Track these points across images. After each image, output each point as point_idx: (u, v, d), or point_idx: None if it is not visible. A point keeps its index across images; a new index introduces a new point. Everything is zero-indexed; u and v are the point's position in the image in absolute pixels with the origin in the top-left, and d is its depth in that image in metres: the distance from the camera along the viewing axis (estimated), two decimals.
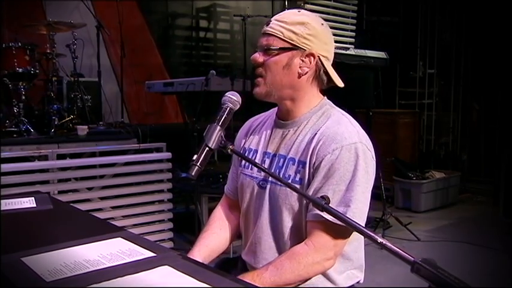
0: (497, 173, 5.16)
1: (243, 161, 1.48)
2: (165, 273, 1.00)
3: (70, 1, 4.71)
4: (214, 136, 1.18)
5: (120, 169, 3.34)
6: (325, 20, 1.37)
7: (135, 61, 5.03)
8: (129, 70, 4.76)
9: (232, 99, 1.28)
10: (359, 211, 1.27)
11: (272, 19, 1.34)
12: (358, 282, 1.44)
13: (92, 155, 3.37)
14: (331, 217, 1.18)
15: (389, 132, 5.54)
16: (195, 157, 1.15)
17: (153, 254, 1.12)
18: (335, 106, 1.43)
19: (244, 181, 1.47)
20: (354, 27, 4.77)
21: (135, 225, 3.33)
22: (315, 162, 1.29)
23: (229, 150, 1.20)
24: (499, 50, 5.52)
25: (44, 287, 0.94)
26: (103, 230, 1.32)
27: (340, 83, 1.40)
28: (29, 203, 1.61)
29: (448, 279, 0.77)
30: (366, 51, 3.99)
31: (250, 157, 1.45)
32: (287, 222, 1.34)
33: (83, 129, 3.60)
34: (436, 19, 6.31)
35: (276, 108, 1.48)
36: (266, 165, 1.40)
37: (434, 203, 5.02)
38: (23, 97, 3.55)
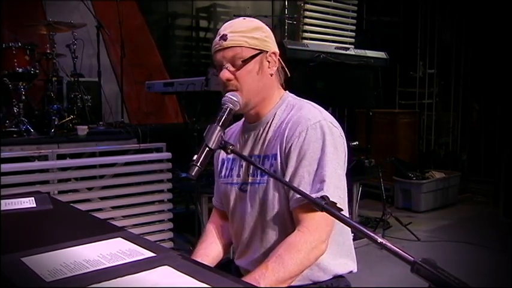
0: (497, 173, 5.16)
1: (223, 172, 1.52)
2: (165, 274, 1.00)
3: (70, 1, 4.71)
4: (215, 136, 1.18)
5: (120, 169, 3.34)
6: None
7: (135, 61, 5.03)
8: (129, 70, 4.76)
9: (233, 99, 1.29)
10: (333, 185, 1.28)
11: (226, 32, 1.34)
12: (351, 272, 1.44)
13: (92, 155, 3.37)
14: (313, 194, 1.23)
15: (389, 132, 5.55)
16: (195, 157, 1.15)
17: (153, 254, 1.12)
18: (298, 97, 1.47)
19: (226, 189, 1.50)
20: (353, 27, 4.77)
21: (135, 225, 3.33)
22: (284, 149, 1.33)
23: (229, 151, 1.20)
24: (499, 50, 5.52)
25: (43, 287, 0.94)
26: (103, 230, 1.32)
27: (288, 72, 1.46)
28: (29, 203, 1.61)
29: (448, 280, 0.77)
30: (366, 51, 3.98)
31: (229, 165, 1.49)
32: (270, 218, 1.36)
33: (83, 129, 3.60)
34: (436, 19, 6.31)
35: (242, 119, 1.53)
36: (244, 169, 1.43)
37: (434, 203, 5.02)
38: (23, 97, 3.55)
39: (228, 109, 1.27)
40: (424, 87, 6.41)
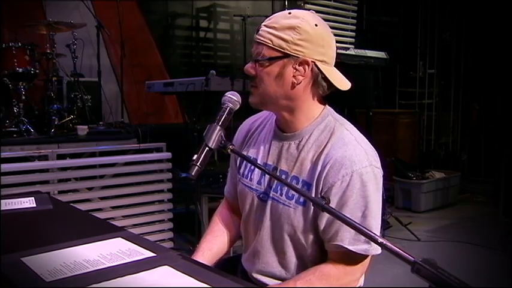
0: (498, 173, 5.16)
1: (242, 170, 1.44)
2: (165, 274, 1.00)
3: (70, 1, 4.70)
4: (214, 136, 1.18)
5: (120, 169, 3.34)
6: (325, 20, 1.32)
7: (135, 61, 5.03)
8: (129, 70, 4.76)
9: (232, 99, 1.27)
10: (376, 231, 1.23)
11: (262, 24, 1.25)
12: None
13: (92, 155, 3.37)
14: (353, 247, 1.19)
15: (389, 132, 5.55)
16: (195, 157, 1.15)
17: (153, 254, 1.12)
18: (336, 114, 1.34)
19: (244, 191, 1.43)
20: (354, 27, 4.78)
21: (135, 225, 3.33)
22: (322, 188, 1.22)
23: (229, 150, 1.19)
24: (499, 49, 5.52)
25: (43, 287, 0.94)
26: (103, 230, 1.32)
27: (343, 86, 1.27)
28: (28, 203, 1.61)
29: (448, 280, 0.77)
30: (366, 51, 3.98)
31: (251, 167, 1.40)
32: (288, 241, 1.32)
33: (83, 129, 3.59)
34: (436, 19, 6.31)
35: (273, 117, 1.41)
36: (266, 179, 1.36)
37: (434, 203, 5.02)
38: (23, 97, 3.55)
39: (228, 109, 1.25)
40: (424, 87, 6.41)
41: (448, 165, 5.93)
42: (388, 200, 4.81)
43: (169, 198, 3.52)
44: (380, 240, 0.89)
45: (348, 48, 3.91)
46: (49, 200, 1.66)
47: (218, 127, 1.20)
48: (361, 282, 1.39)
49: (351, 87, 1.31)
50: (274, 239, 1.34)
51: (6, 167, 2.81)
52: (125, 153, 3.44)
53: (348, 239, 1.21)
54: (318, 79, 1.25)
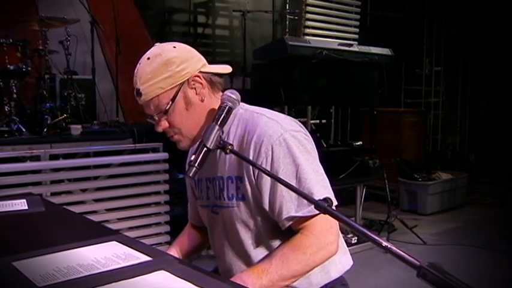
0: (507, 174, 5.17)
1: (197, 193, 1.51)
2: (162, 278, 1.00)
3: None
4: (213, 136, 1.18)
5: (116, 170, 3.34)
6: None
7: (130, 58, 4.98)
8: (124, 67, 4.75)
9: (232, 97, 1.28)
10: (323, 190, 1.28)
11: (138, 86, 1.32)
12: (347, 272, 1.45)
13: (86, 155, 3.37)
14: (301, 213, 1.25)
15: (395, 131, 5.55)
16: (192, 158, 1.15)
17: (150, 258, 1.12)
18: (246, 105, 1.42)
19: (202, 211, 1.51)
20: (357, 23, 4.77)
21: (130, 228, 3.33)
22: (253, 173, 1.30)
23: (228, 151, 1.20)
24: (508, 46, 5.52)
25: None
26: (97, 233, 1.32)
27: (227, 70, 1.40)
28: (20, 205, 1.61)
29: (455, 285, 0.77)
30: (370, 47, 3.99)
31: (200, 186, 1.47)
32: (247, 240, 1.37)
33: (76, 129, 3.59)
34: (442, 15, 6.31)
35: None
36: (211, 191, 1.43)
37: (441, 205, 5.02)
38: (14, 95, 3.54)
39: (227, 108, 1.26)
40: (431, 85, 6.41)
41: (455, 166, 5.94)
42: (393, 202, 4.81)
43: (166, 200, 3.52)
44: (384, 244, 0.89)
45: (351, 45, 3.92)
46: (41, 202, 1.66)
47: (217, 127, 1.20)
48: (340, 249, 1.40)
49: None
50: (236, 244, 1.40)
51: None
52: (120, 153, 3.44)
53: (293, 208, 1.27)
54: (212, 80, 1.38)
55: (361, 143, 4.83)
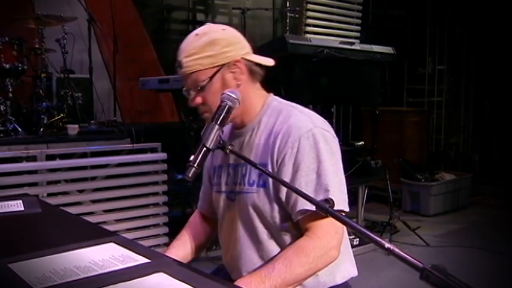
0: (511, 174, 5.16)
1: (214, 180, 1.54)
2: (160, 280, 1.00)
3: None
4: (212, 136, 1.18)
5: (113, 170, 3.34)
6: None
7: (128, 57, 5.02)
8: (122, 66, 4.76)
9: (231, 97, 1.28)
10: (338, 191, 1.32)
11: (181, 58, 1.37)
12: (351, 278, 1.47)
13: (83, 155, 3.37)
14: (314, 208, 1.23)
15: (397, 131, 5.55)
16: (191, 158, 1.16)
17: (148, 260, 1.12)
18: (281, 99, 1.48)
19: (216, 198, 1.53)
20: (359, 21, 4.78)
21: (128, 229, 3.33)
22: (277, 161, 1.35)
23: (227, 151, 1.20)
24: None
25: None
26: (95, 234, 1.33)
27: (269, 62, 1.45)
28: (16, 206, 1.61)
29: (459, 287, 0.77)
30: (372, 46, 3.98)
31: (219, 173, 1.51)
32: (261, 228, 1.39)
33: (73, 129, 3.60)
34: (445, 12, 6.30)
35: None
36: (231, 177, 1.46)
37: (444, 206, 5.02)
38: (10, 94, 3.54)
39: (227, 107, 1.26)
40: (434, 84, 6.42)
41: (458, 167, 5.93)
42: (396, 203, 4.81)
43: (165, 201, 3.52)
44: (387, 245, 0.89)
45: (353, 43, 3.91)
46: (38, 203, 1.66)
47: (216, 126, 1.21)
48: (348, 259, 1.45)
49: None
50: (249, 232, 1.41)
51: None
52: (118, 153, 3.44)
53: (308, 202, 1.28)
54: (252, 68, 1.42)
55: (362, 143, 4.82)
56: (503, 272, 3.41)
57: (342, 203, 1.32)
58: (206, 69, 1.36)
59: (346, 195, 1.36)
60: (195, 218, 1.69)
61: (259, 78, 1.46)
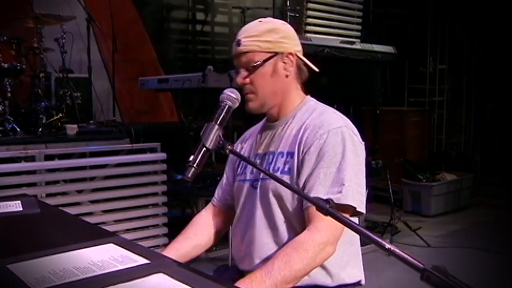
0: None
1: (238, 171, 1.58)
2: (160, 281, 1.01)
3: None
4: (212, 136, 1.19)
5: (112, 171, 3.34)
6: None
7: (127, 56, 5.03)
8: (121, 66, 4.76)
9: (231, 96, 1.29)
10: (353, 190, 1.34)
11: (241, 37, 1.46)
12: (359, 282, 1.48)
13: (82, 155, 3.37)
14: (329, 197, 1.30)
15: (398, 131, 5.55)
16: (191, 158, 1.16)
17: (147, 261, 1.12)
18: (320, 102, 1.55)
19: (239, 187, 1.56)
20: (360, 20, 4.76)
21: (127, 230, 3.33)
22: (303, 150, 1.40)
23: (227, 151, 1.20)
24: None
25: None
26: (94, 235, 1.33)
27: (315, 68, 1.54)
28: (15, 206, 1.61)
29: None
30: (373, 45, 3.98)
31: (242, 165, 1.57)
32: (279, 213, 1.42)
33: (72, 129, 3.60)
34: (447, 11, 6.30)
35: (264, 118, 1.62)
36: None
37: (445, 207, 5.02)
38: (9, 94, 3.55)
39: (227, 107, 1.27)
40: (435, 83, 6.41)
41: (459, 167, 5.93)
42: (396, 203, 4.81)
43: (164, 202, 3.52)
44: (387, 246, 0.89)
45: (353, 43, 3.91)
46: (36, 203, 1.66)
47: (216, 126, 1.21)
48: (358, 266, 1.49)
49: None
50: (267, 218, 1.45)
51: None
52: (117, 153, 3.44)
53: (323, 191, 1.34)
54: (301, 66, 1.51)
55: (363, 143, 4.82)
56: (505, 272, 3.41)
57: (357, 202, 1.34)
58: (262, 52, 1.43)
59: (364, 198, 1.38)
60: (204, 212, 1.71)
61: (304, 78, 1.54)
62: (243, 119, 3.14)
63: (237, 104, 1.32)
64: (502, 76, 5.84)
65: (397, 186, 4.89)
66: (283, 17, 5.67)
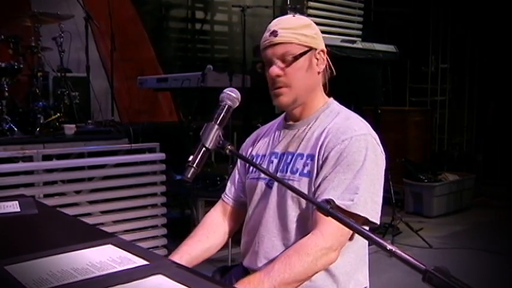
0: None
1: (251, 167, 1.57)
2: (159, 283, 1.01)
3: None
4: (212, 135, 1.19)
5: (111, 171, 3.34)
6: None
7: (126, 55, 5.03)
8: (119, 65, 4.76)
9: (231, 96, 1.29)
10: (365, 199, 1.32)
11: (276, 28, 1.43)
12: None
13: (80, 155, 3.37)
14: (339, 203, 1.28)
15: (399, 131, 5.55)
16: (190, 158, 1.16)
17: (146, 262, 1.12)
18: (342, 106, 1.54)
19: (251, 185, 1.54)
20: (361, 19, 4.78)
21: (126, 231, 3.33)
22: (324, 154, 1.38)
23: (227, 151, 1.20)
24: None
25: None
26: (92, 236, 1.33)
27: (333, 72, 1.56)
28: (12, 207, 1.61)
29: None
30: (374, 44, 3.99)
31: (261, 162, 1.54)
32: (293, 216, 1.40)
33: (70, 128, 3.60)
34: (448, 10, 6.31)
35: (281, 116, 1.60)
36: (274, 165, 1.49)
37: (447, 207, 5.03)
38: (6, 94, 3.54)
39: (227, 106, 1.27)
40: (437, 83, 6.42)
41: (462, 167, 5.93)
42: (398, 204, 4.81)
43: (163, 202, 3.52)
44: (389, 247, 0.89)
45: (354, 42, 3.92)
46: (34, 204, 1.66)
47: (216, 126, 1.21)
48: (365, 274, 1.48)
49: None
50: (279, 218, 1.43)
51: None
52: (116, 153, 3.44)
53: (335, 195, 1.32)
54: (327, 65, 1.51)
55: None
56: (507, 273, 3.41)
57: (371, 213, 1.32)
58: (299, 44, 1.42)
59: (379, 208, 1.36)
60: (214, 212, 1.67)
61: (326, 79, 1.54)
62: (243, 118, 3.14)
63: (237, 104, 1.31)
64: (504, 76, 5.85)
65: (398, 187, 4.89)
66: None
